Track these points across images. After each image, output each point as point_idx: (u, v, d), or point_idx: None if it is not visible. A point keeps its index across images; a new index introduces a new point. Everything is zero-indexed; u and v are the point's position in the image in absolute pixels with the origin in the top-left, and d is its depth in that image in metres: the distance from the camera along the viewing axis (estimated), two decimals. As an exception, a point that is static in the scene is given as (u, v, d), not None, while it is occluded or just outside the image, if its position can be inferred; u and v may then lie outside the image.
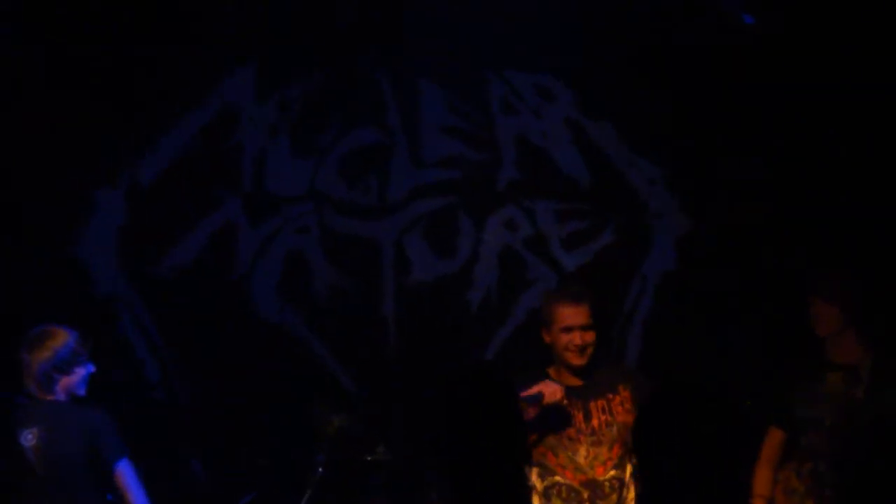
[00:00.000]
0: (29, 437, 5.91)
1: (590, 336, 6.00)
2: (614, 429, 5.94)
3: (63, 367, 5.97)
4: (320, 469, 6.37)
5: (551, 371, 6.09)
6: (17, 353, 6.00)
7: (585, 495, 5.88)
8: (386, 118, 7.77)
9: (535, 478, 5.98)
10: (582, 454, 5.92)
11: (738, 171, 7.52)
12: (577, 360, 6.00)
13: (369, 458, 6.70)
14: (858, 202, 7.28)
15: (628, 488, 5.90)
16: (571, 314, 6.00)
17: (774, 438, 6.26)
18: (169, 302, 7.64)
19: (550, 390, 5.89)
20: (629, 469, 5.91)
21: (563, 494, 5.89)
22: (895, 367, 6.10)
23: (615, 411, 5.96)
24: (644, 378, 6.09)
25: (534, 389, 5.87)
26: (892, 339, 6.24)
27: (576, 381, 6.02)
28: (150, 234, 7.65)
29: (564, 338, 6.00)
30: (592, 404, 5.99)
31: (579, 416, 5.99)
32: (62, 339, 6.00)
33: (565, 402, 5.95)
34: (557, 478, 5.94)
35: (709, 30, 7.48)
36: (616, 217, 7.77)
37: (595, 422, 5.96)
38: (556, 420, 5.95)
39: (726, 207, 7.56)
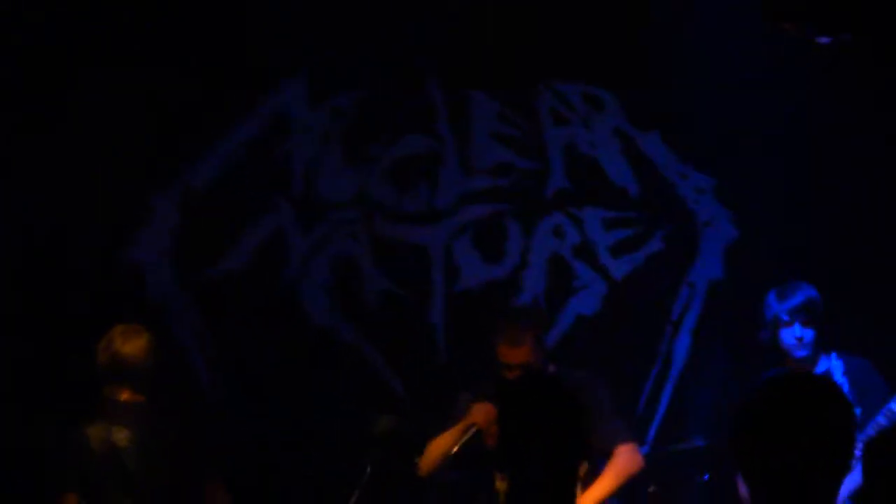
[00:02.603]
0: (121, 438, 5.74)
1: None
2: None
3: (159, 367, 5.87)
4: (368, 470, 6.40)
5: None
6: (100, 350, 5.84)
7: None
8: (436, 126, 7.83)
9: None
10: None
11: (786, 180, 7.54)
12: None
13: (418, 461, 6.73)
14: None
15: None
16: (507, 353, 6.15)
17: None
18: (221, 306, 7.70)
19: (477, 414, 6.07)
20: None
21: None
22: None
23: None
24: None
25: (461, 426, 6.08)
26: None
27: None
28: (202, 238, 7.72)
29: (507, 374, 6.15)
30: None
31: None
32: (153, 339, 5.89)
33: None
34: None
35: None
36: (664, 225, 7.80)
37: None
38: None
39: (774, 216, 7.58)
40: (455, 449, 6.16)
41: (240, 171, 7.74)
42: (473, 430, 6.13)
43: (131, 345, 5.84)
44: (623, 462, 6.14)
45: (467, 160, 7.83)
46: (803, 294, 6.20)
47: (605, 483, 6.10)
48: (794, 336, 6.18)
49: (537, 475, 3.90)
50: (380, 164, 7.82)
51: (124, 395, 5.84)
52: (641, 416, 7.64)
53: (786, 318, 6.18)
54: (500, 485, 6.09)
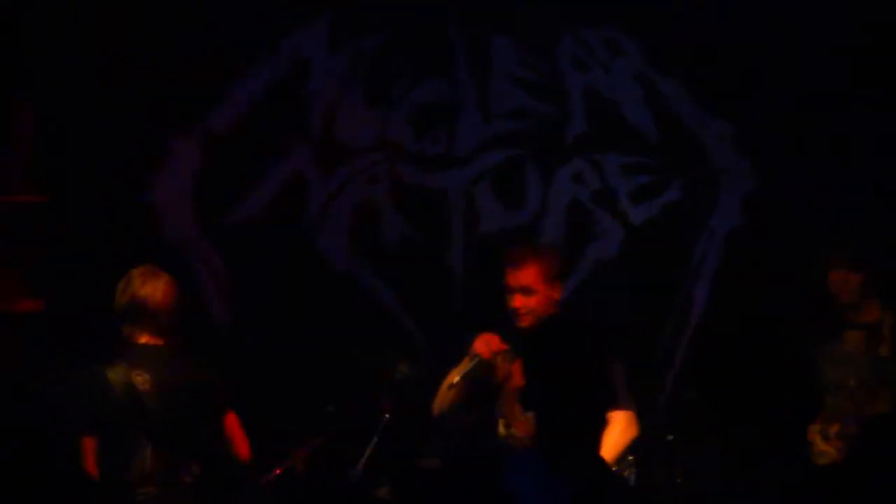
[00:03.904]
0: (141, 382, 5.75)
1: (530, 300, 6.03)
2: None
3: (177, 309, 5.87)
4: (386, 416, 6.42)
5: None
6: (119, 292, 5.85)
7: None
8: (456, 70, 7.80)
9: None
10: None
11: (810, 129, 7.50)
12: (518, 322, 6.05)
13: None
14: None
15: None
16: (510, 276, 6.08)
17: None
18: (240, 249, 7.72)
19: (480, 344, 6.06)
20: None
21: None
22: None
23: None
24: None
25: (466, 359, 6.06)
26: None
27: None
28: (222, 181, 7.73)
29: (508, 298, 6.10)
30: None
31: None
32: (172, 281, 5.90)
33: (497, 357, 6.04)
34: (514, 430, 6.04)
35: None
36: (684, 172, 7.77)
37: None
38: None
39: (794, 165, 7.55)
40: (456, 378, 6.08)
41: (260, 114, 7.74)
42: (476, 360, 6.07)
43: (150, 287, 5.85)
44: (622, 431, 5.95)
45: (487, 105, 7.80)
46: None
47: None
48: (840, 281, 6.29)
49: (565, 423, 3.88)
50: (400, 109, 7.80)
51: (143, 338, 5.86)
52: (659, 364, 7.64)
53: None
54: (504, 430, 6.09)
